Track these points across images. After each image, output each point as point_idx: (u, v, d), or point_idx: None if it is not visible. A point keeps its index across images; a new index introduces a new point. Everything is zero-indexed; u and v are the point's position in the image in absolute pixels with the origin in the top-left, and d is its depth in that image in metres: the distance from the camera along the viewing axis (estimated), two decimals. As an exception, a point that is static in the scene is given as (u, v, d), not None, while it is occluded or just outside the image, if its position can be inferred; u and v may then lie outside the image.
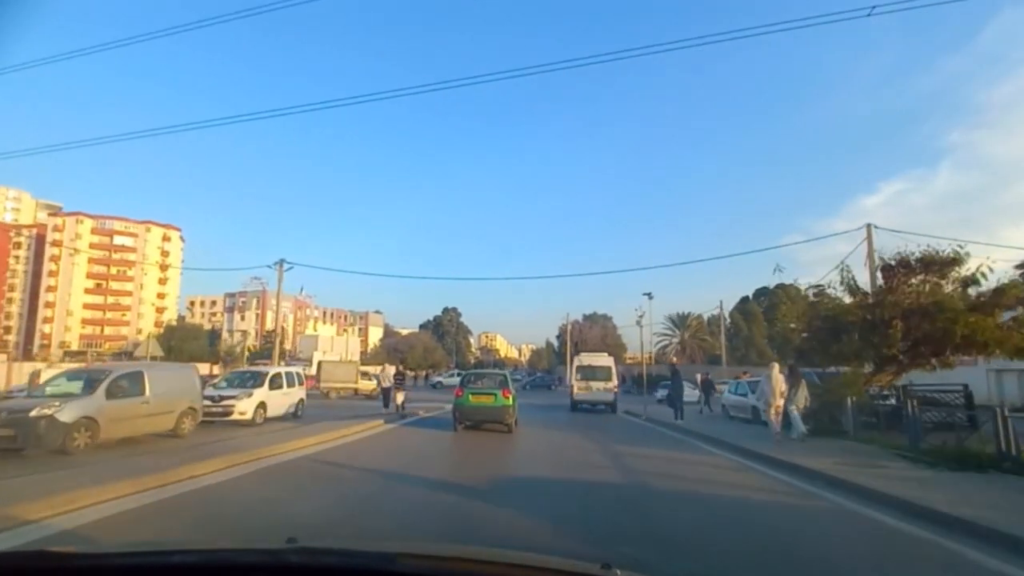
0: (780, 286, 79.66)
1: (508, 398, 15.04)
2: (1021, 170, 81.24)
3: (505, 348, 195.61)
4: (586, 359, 26.77)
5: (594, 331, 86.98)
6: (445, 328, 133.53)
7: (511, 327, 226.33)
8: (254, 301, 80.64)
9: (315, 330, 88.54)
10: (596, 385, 24.67)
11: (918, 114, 78.96)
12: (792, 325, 22.09)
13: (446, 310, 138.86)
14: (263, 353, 61.24)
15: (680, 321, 63.93)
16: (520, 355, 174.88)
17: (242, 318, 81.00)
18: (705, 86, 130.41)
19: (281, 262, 36.71)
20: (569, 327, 66.67)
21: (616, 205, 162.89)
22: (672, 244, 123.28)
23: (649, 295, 45.95)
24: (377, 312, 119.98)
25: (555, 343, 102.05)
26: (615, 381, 25.12)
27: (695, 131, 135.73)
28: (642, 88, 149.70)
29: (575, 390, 25.01)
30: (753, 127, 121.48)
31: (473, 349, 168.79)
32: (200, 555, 1.49)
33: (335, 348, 52.69)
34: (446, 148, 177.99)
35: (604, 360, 26.23)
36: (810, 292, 20.06)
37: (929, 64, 75.22)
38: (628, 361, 66.95)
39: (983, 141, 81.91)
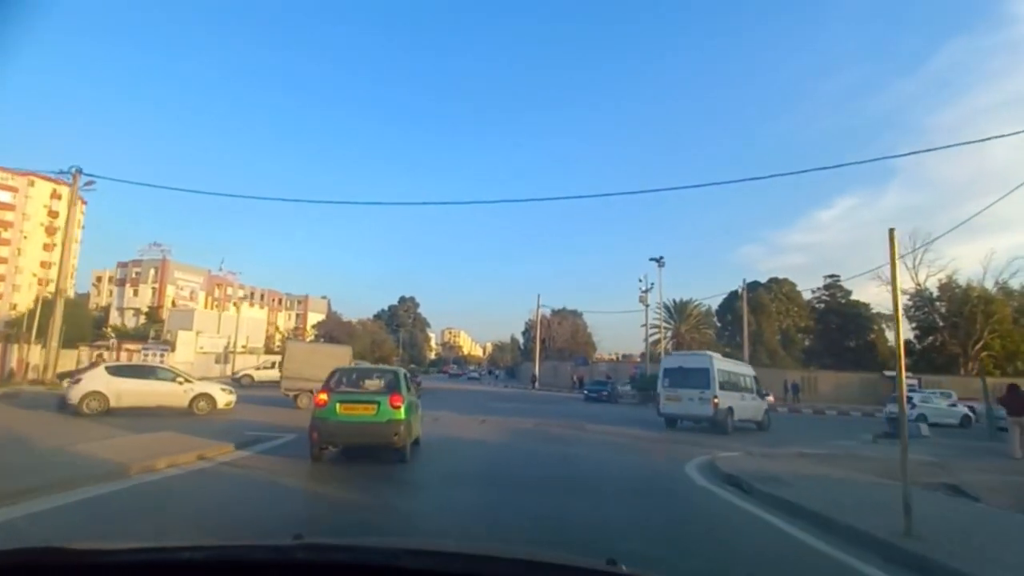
0: (773, 281, 67.63)
1: (399, 408, 9.08)
2: (962, 191, 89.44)
3: (469, 345, 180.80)
4: (676, 359, 19.83)
5: (564, 327, 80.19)
6: (401, 319, 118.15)
7: (477, 324, 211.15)
8: (151, 272, 62.77)
9: (237, 312, 70.38)
10: (688, 394, 17.19)
11: (871, 134, 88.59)
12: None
13: (403, 299, 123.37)
14: (141, 334, 43.82)
15: (678, 310, 49.12)
16: (485, 353, 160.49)
17: (135, 293, 63.06)
18: (676, 96, 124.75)
19: (76, 172, 20.62)
20: (537, 322, 51.57)
21: (578, 210, 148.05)
22: (650, 247, 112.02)
23: (660, 260, 31.02)
24: (323, 298, 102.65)
25: (521, 340, 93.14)
26: (715, 388, 16.76)
27: (669, 141, 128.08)
28: (615, 88, 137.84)
29: (662, 400, 18.31)
30: (722, 138, 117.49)
31: (434, 344, 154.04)
32: (208, 552, 1.43)
33: (224, 329, 35.26)
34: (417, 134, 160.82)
35: (700, 360, 18.10)
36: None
37: (883, 87, 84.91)
38: (595, 360, 53.84)
39: (929, 162, 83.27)
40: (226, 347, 37.11)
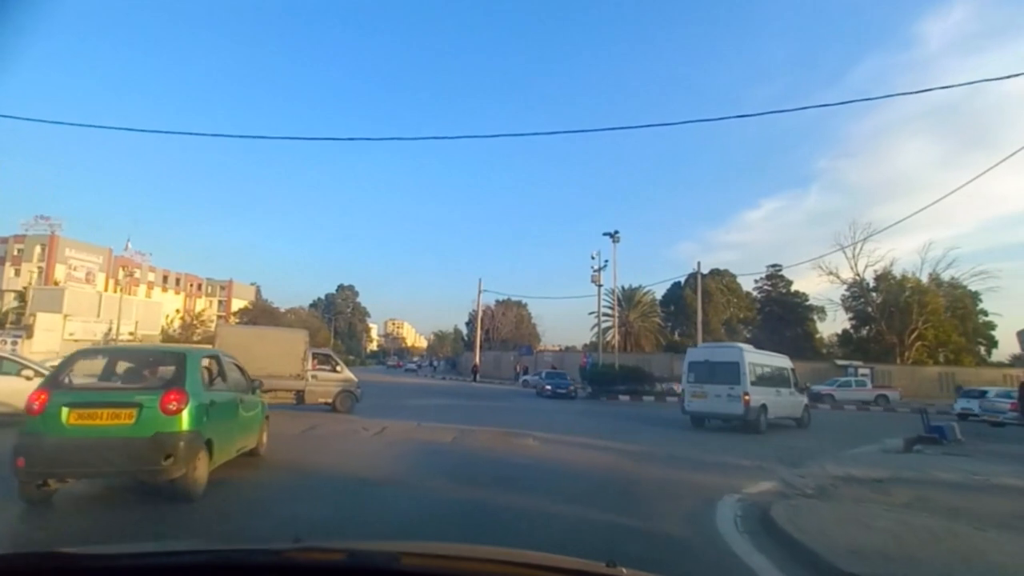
0: (715, 272, 66.63)
1: (177, 414, 5.40)
2: (875, 195, 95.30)
3: (413, 337, 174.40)
4: (702, 351, 17.04)
5: (508, 318, 77.19)
6: (339, 308, 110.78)
7: (421, 315, 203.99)
8: (36, 249, 53.31)
9: (148, 297, 61.95)
10: (716, 391, 15.00)
11: (795, 140, 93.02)
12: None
13: (341, 288, 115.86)
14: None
15: (627, 297, 45.89)
16: (428, 344, 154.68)
17: (16, 273, 53.41)
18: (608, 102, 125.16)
19: None
20: (478, 308, 47.13)
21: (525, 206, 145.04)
22: (593, 241, 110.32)
23: (614, 235, 27.19)
24: (252, 284, 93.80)
25: (465, 330, 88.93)
26: (747, 384, 14.49)
27: (613, 141, 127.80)
28: (555, 86, 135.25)
29: (687, 397, 16.13)
30: (656, 139, 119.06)
31: (375, 335, 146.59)
32: (209, 555, 1.43)
33: (108, 313, 28.69)
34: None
35: (729, 353, 15.83)
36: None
37: (806, 97, 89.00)
38: (541, 349, 50.43)
39: (845, 168, 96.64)
40: (107, 334, 30.40)
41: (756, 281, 62.58)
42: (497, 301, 79.28)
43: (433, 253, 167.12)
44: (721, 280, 64.05)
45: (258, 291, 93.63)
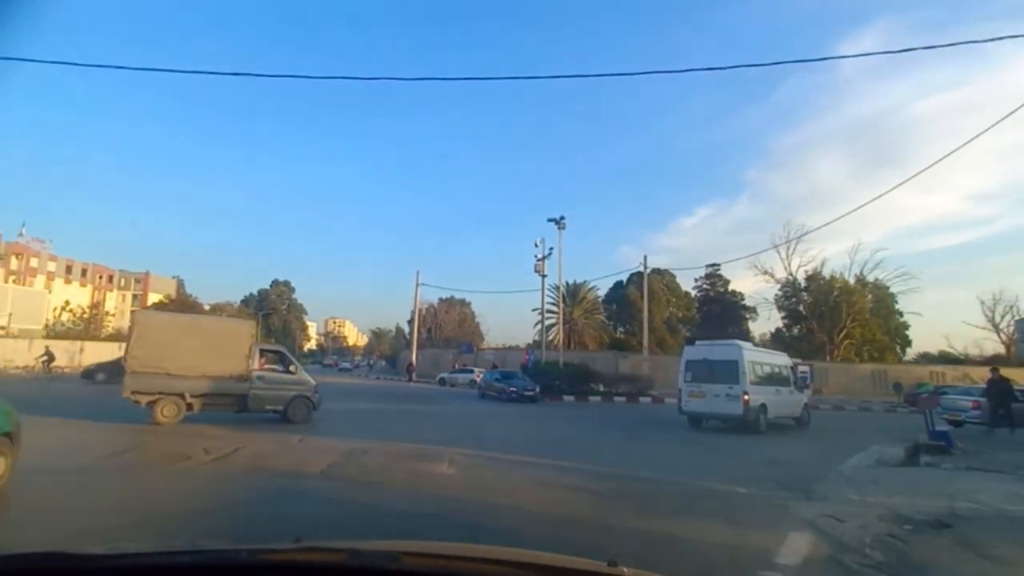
0: (656, 271, 66.50)
1: None
2: (799, 205, 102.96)
3: (355, 335, 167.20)
4: (700, 350, 16.01)
5: (451, 316, 75.09)
6: (273, 304, 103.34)
7: (363, 313, 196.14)
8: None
9: (48, 290, 54.67)
10: (715, 390, 14.50)
11: (726, 152, 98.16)
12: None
13: (276, 283, 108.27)
14: None
15: (571, 293, 43.91)
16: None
17: None
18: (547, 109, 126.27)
19: None
20: (416, 301, 44.08)
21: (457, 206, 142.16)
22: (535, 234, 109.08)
23: (560, 221, 24.86)
24: (174, 278, 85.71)
25: (407, 328, 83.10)
26: (746, 383, 13.75)
27: (550, 145, 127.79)
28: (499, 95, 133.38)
29: (684, 397, 15.38)
30: (604, 141, 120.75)
31: (312, 334, 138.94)
32: (210, 555, 1.42)
33: None
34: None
35: (728, 351, 15.05)
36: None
37: (737, 111, 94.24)
38: (483, 348, 48.04)
39: (772, 180, 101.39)
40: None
41: (696, 280, 62.84)
42: (440, 299, 75.94)
43: (376, 249, 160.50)
44: (662, 280, 63.92)
45: (180, 285, 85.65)
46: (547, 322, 40.19)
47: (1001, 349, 49.72)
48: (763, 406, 14.42)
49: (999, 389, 13.18)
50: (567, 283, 44.33)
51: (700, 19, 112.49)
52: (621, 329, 57.18)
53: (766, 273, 51.76)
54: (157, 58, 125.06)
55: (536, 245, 25.59)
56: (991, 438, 12.99)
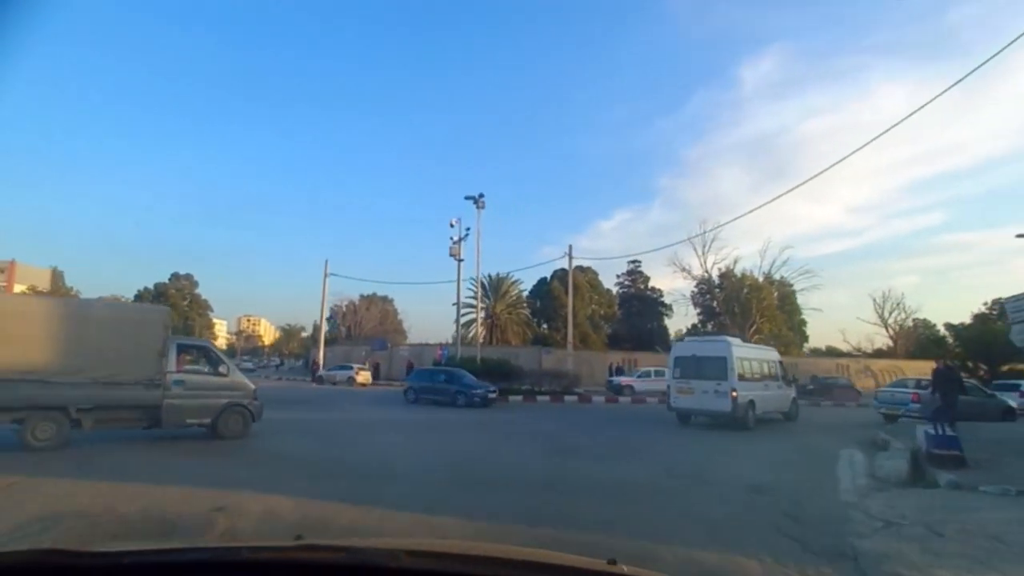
0: (579, 268, 65.91)
1: None
2: (706, 212, 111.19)
3: (271, 334, 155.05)
4: (688, 346, 16.25)
5: (372, 312, 71.64)
6: (173, 300, 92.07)
7: (280, 311, 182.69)
8: None
9: None
10: (703, 386, 14.38)
11: (642, 159, 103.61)
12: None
13: (175, 276, 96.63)
14: None
15: (493, 286, 41.19)
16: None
17: None
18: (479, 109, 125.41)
19: None
20: (324, 293, 39.95)
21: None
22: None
23: (478, 200, 22.02)
24: (51, 268, 74.03)
25: (326, 326, 78.30)
26: (734, 379, 13.85)
27: (471, 148, 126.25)
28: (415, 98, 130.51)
29: (673, 393, 15.30)
30: (521, 150, 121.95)
31: (223, 332, 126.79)
32: (211, 553, 1.42)
33: None
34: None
35: (716, 347, 14.98)
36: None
37: (649, 122, 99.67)
38: (399, 344, 44.63)
39: (681, 187, 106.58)
40: None
41: (617, 276, 62.72)
42: (362, 296, 71.88)
43: (290, 243, 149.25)
44: (585, 276, 63.19)
45: (57, 276, 73.97)
46: (468, 317, 37.29)
47: (890, 343, 53.06)
48: (751, 402, 14.33)
49: (947, 380, 11.89)
50: (489, 276, 41.64)
51: (617, 37, 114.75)
52: (545, 325, 55.56)
53: (683, 270, 52.21)
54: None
55: (452, 226, 22.58)
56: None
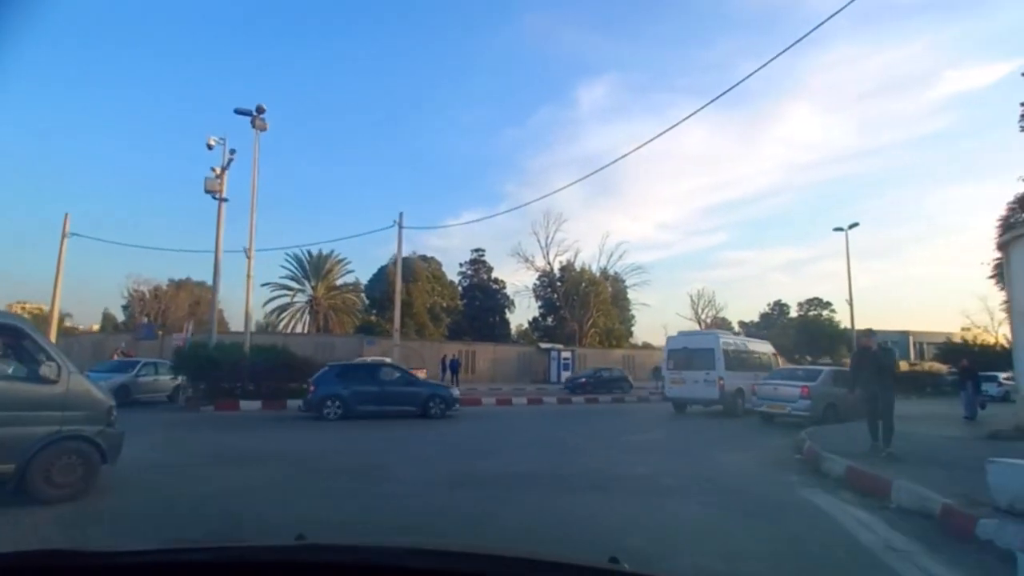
0: (423, 258, 60.67)
1: None
2: (546, 219, 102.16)
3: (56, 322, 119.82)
4: (681, 340, 16.90)
5: (181, 297, 60.42)
6: None
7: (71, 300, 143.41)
8: None
9: None
10: (694, 376, 15.03)
11: (491, 164, 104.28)
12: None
13: None
14: None
15: (314, 265, 33.21)
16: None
17: None
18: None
19: None
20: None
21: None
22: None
23: (255, 115, 14.79)
24: None
25: (121, 315, 66.86)
26: (721, 369, 14.50)
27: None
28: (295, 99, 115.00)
29: (667, 383, 16.23)
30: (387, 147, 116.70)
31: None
32: (212, 553, 1.36)
33: None
34: None
35: (705, 340, 16.01)
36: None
37: (497, 131, 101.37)
38: (179, 332, 34.65)
39: (525, 195, 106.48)
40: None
41: (461, 266, 58.45)
42: (171, 280, 59.86)
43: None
44: (428, 267, 57.97)
45: None
46: (282, 300, 29.04)
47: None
48: (740, 391, 14.67)
49: (876, 366, 8.04)
50: (309, 252, 33.55)
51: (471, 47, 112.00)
52: (382, 316, 48.77)
53: (527, 260, 49.96)
54: None
55: (210, 148, 14.46)
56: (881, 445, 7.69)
